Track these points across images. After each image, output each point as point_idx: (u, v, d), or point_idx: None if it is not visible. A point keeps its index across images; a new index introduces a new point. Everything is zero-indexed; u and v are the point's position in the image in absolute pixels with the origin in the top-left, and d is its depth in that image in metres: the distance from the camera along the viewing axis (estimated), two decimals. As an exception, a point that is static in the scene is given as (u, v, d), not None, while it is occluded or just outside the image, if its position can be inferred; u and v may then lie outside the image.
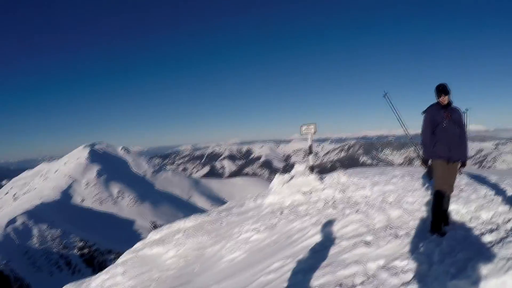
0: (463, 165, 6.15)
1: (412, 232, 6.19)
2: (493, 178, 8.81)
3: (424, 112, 6.19)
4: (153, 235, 12.26)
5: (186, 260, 9.47)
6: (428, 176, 6.28)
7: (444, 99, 5.97)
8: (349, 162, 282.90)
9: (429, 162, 6.19)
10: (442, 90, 5.95)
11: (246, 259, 7.86)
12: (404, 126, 6.51)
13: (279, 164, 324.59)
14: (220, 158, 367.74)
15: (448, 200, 6.20)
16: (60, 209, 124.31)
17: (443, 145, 5.95)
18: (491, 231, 5.51)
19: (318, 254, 6.28)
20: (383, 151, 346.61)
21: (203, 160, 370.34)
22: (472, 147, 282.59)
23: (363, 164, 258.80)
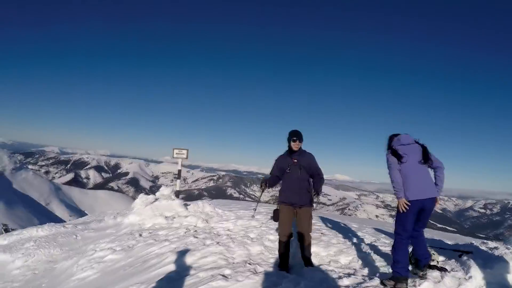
0: (317, 194, 6.20)
1: (272, 270, 6.13)
2: (354, 226, 9.21)
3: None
4: (2, 240, 10.89)
5: (34, 273, 8.47)
6: (274, 219, 6.33)
7: (295, 145, 6.14)
8: (216, 193, 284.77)
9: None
10: (294, 135, 6.15)
11: (98, 280, 7.18)
12: None
13: (146, 184, 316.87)
14: (86, 167, 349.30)
15: (303, 240, 6.21)
16: None
17: (286, 190, 6.16)
18: (349, 275, 5.64)
19: (175, 282, 5.90)
20: (251, 186, 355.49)
21: (68, 166, 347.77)
22: (336, 194, 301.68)
23: (231, 197, 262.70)
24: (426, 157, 5.11)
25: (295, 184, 6.09)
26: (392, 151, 5.15)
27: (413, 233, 5.19)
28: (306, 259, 6.29)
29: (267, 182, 6.47)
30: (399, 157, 5.06)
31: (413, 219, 5.04)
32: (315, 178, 6.22)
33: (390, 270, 5.09)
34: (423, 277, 5.01)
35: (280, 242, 6.20)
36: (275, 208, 6.39)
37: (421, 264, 5.20)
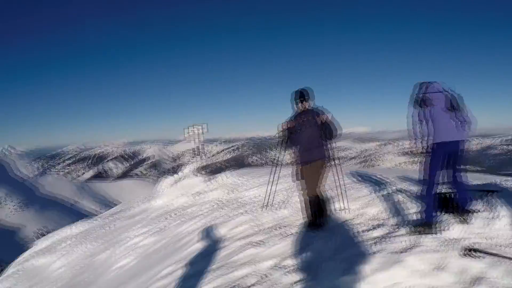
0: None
1: (301, 231, 6.21)
2: (377, 176, 9.21)
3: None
4: (40, 244, 11.21)
5: (75, 269, 8.79)
6: (295, 179, 6.33)
7: (302, 106, 6.12)
8: (238, 162, 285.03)
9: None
10: (299, 96, 6.08)
11: (137, 265, 7.46)
12: None
13: (168, 165, 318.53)
14: (107, 159, 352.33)
15: (325, 198, 6.27)
16: None
17: (298, 149, 6.14)
18: (378, 226, 5.69)
19: (209, 257, 6.06)
20: (271, 151, 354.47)
21: (90, 161, 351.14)
22: (356, 147, 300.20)
23: (253, 164, 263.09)
24: (452, 106, 5.10)
25: (305, 141, 6.04)
26: (416, 99, 5.17)
27: (451, 178, 5.23)
28: (320, 213, 6.23)
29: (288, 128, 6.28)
30: (423, 103, 5.08)
31: (440, 163, 5.06)
32: (318, 136, 6.06)
33: (418, 217, 5.14)
34: (464, 221, 4.98)
35: (305, 201, 6.21)
36: (295, 169, 6.37)
37: (462, 209, 5.21)
